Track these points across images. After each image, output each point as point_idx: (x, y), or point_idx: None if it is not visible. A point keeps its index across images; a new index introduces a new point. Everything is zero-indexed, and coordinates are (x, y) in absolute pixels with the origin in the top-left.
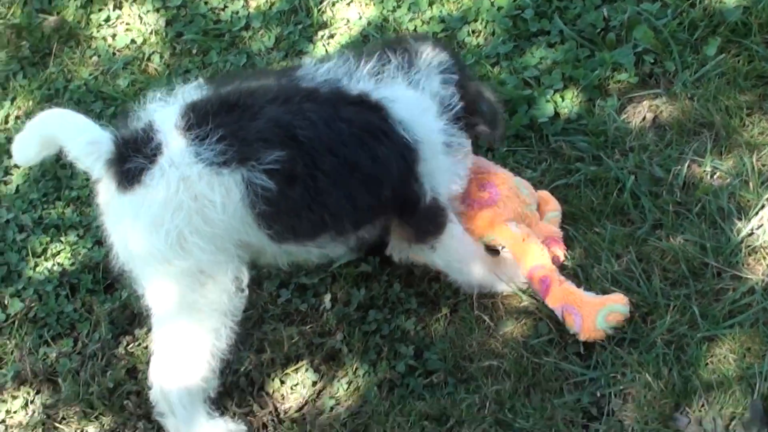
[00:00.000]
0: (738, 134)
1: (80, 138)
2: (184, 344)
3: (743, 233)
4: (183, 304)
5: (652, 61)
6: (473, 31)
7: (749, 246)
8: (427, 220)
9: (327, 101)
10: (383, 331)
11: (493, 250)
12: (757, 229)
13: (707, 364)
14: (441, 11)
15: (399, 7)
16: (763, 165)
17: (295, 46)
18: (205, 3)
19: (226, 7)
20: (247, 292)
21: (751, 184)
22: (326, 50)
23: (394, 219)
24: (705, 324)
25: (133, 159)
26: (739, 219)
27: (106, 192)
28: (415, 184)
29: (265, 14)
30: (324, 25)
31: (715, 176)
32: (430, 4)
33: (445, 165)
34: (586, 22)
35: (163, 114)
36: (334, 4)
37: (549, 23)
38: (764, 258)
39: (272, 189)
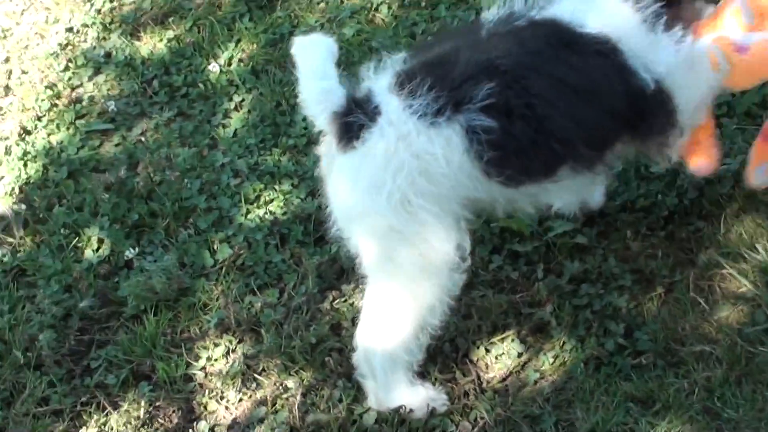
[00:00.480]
0: None
1: (318, 83)
2: (395, 314)
3: None
4: (400, 273)
5: None
6: None
7: None
8: (660, 110)
9: (512, 32)
10: (594, 307)
11: None
12: None
13: None
14: None
15: None
16: None
17: None
18: None
19: None
20: (468, 262)
21: None
22: None
23: (630, 138)
24: None
25: (356, 116)
26: None
27: (328, 147)
28: (630, 75)
29: None
30: None
31: None
32: None
33: (653, 39)
34: None
35: (378, 81)
36: None
37: None
38: None
39: (493, 127)
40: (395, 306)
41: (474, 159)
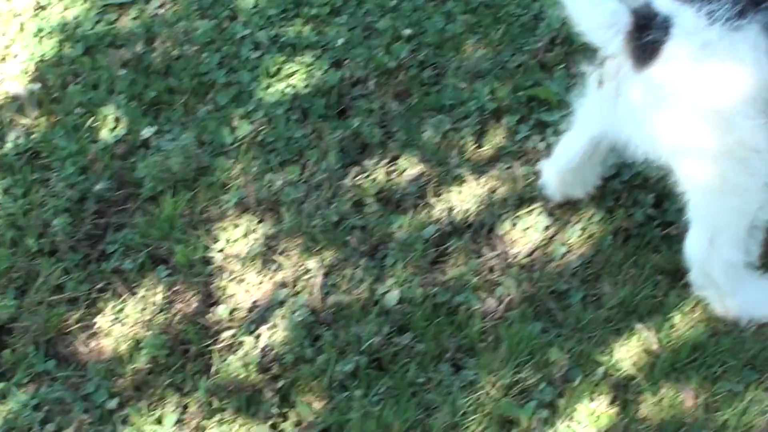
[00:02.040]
0: None
1: (603, 6)
2: (729, 224)
3: None
4: (725, 189)
5: None
6: None
7: None
8: None
9: None
10: (623, 177)
11: None
12: None
13: None
14: None
15: None
16: None
17: None
18: None
19: None
20: None
21: None
22: None
23: None
24: None
25: (650, 31)
26: None
27: (616, 69)
28: None
29: None
30: None
31: None
32: None
33: None
34: None
35: None
36: None
37: None
38: None
39: None
40: (728, 216)
41: None
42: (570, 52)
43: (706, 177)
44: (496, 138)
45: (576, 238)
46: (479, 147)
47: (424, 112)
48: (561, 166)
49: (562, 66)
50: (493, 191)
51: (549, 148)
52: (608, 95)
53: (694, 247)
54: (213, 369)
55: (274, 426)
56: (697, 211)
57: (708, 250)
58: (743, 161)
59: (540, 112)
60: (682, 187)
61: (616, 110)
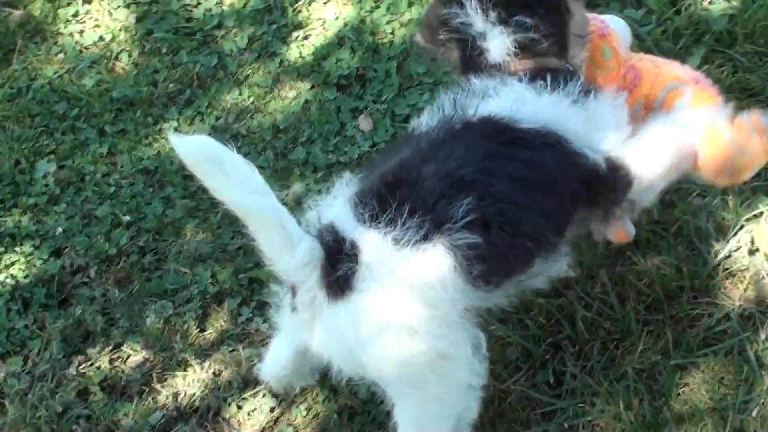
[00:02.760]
0: None
1: (297, 249)
2: (433, 425)
3: (721, 255)
4: (427, 397)
5: None
6: None
7: (727, 269)
8: (615, 187)
9: (455, 136)
10: None
11: None
12: (735, 251)
13: (679, 394)
14: (421, 13)
15: (378, 7)
16: (745, 183)
17: (269, 47)
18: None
19: (199, 4)
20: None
21: (731, 203)
22: (300, 52)
23: (587, 211)
24: (678, 352)
25: (345, 265)
26: (717, 240)
27: (311, 299)
28: (581, 158)
29: (239, 13)
30: (299, 26)
31: (693, 194)
32: (410, 5)
33: (594, 114)
34: None
35: (335, 211)
36: (310, 4)
37: None
38: (741, 282)
39: (477, 242)
40: (433, 421)
41: (462, 274)
42: None
43: (408, 389)
44: (219, 321)
45: (302, 418)
46: (203, 331)
47: (147, 297)
48: (274, 372)
49: None
50: (218, 375)
51: (272, 329)
52: (303, 321)
53: None
54: None
55: None
56: (402, 415)
57: None
58: (442, 372)
59: (261, 294)
60: (387, 394)
61: (311, 335)
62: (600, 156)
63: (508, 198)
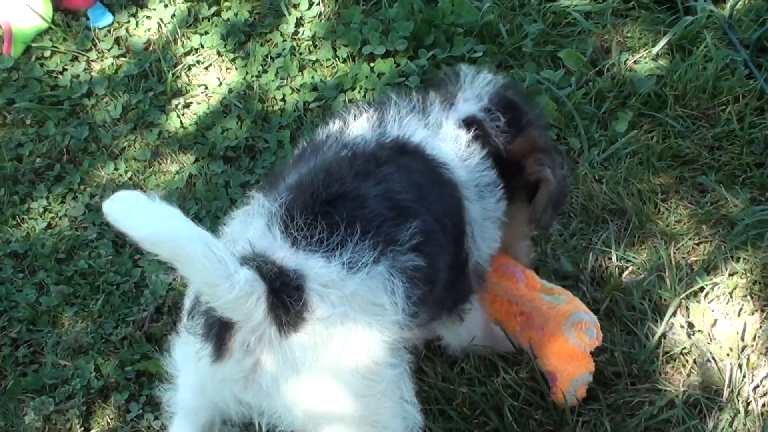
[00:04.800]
0: (652, 222)
1: (233, 278)
2: None
3: (657, 337)
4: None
5: (555, 137)
6: (350, 101)
7: (666, 352)
8: (469, 285)
9: (391, 158)
10: None
11: None
12: (673, 333)
13: None
14: (313, 77)
15: (265, 71)
16: (682, 257)
17: (145, 116)
18: (41, 65)
19: (65, 70)
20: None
21: (668, 280)
22: (181, 122)
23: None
24: None
25: (287, 292)
26: (655, 321)
27: (256, 341)
28: (466, 238)
29: (111, 79)
30: (178, 93)
31: (626, 271)
32: (301, 69)
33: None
34: None
35: (259, 235)
36: (190, 69)
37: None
38: (684, 366)
39: (421, 265)
40: None
41: (406, 299)
42: (178, 320)
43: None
44: (105, 419)
45: None
46: (88, 430)
47: (23, 394)
48: None
49: (171, 336)
50: None
51: (165, 427)
52: (235, 369)
53: None
54: None
55: None
56: None
57: None
58: (386, 414)
59: (151, 387)
60: None
61: (249, 384)
62: (475, 250)
63: (439, 223)
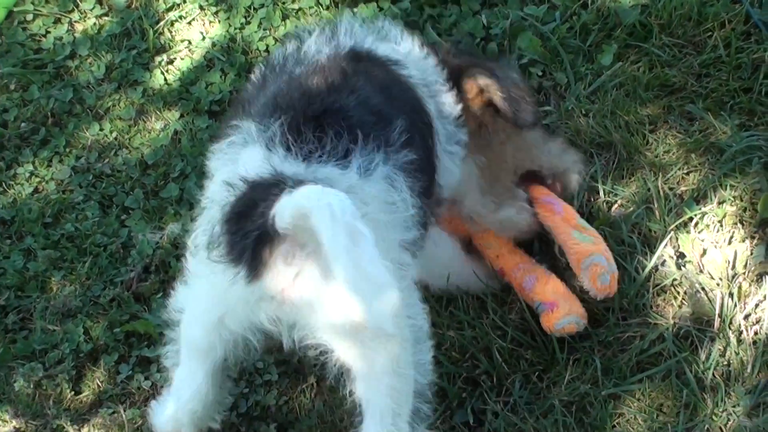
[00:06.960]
0: (641, 154)
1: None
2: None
3: (647, 270)
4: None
5: (540, 73)
6: None
7: (657, 285)
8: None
9: (353, 67)
10: (240, 409)
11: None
12: (663, 265)
13: (614, 426)
14: (297, 26)
15: (248, 23)
16: (671, 188)
17: (129, 75)
18: (24, 29)
19: (48, 33)
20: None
21: (656, 211)
22: (165, 78)
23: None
24: (609, 380)
25: None
26: (645, 254)
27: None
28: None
29: (93, 39)
30: (162, 49)
31: (615, 205)
32: (284, 19)
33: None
34: (463, 31)
35: (257, 159)
36: (172, 24)
37: (421, 34)
38: (675, 298)
39: (414, 158)
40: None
41: (413, 192)
42: (167, 279)
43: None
44: (95, 382)
45: None
46: (78, 393)
47: (13, 360)
48: (182, 413)
49: (159, 295)
50: None
51: (156, 387)
52: (275, 282)
53: None
54: None
55: None
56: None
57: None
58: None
59: (141, 348)
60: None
61: (287, 296)
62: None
63: (411, 122)
